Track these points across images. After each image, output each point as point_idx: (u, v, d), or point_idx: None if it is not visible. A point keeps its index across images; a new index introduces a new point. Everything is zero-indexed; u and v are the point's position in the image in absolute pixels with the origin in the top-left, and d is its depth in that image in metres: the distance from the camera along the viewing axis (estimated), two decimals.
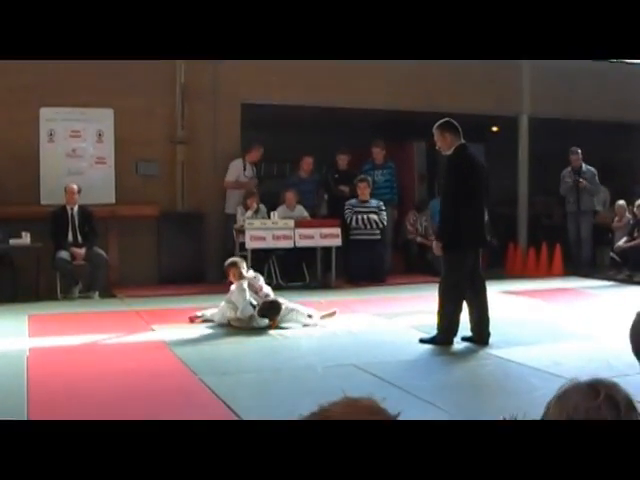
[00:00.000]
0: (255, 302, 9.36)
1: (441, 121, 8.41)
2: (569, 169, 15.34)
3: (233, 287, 9.54)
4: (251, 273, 9.80)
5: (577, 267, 14.91)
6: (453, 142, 8.29)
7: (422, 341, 8.30)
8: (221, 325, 9.43)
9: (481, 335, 8.26)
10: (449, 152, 8.34)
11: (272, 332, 9.05)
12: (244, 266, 9.73)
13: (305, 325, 9.36)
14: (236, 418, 5.67)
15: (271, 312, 9.26)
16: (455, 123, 8.36)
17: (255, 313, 9.22)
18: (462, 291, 8.23)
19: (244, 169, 13.78)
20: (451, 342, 8.21)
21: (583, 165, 15.27)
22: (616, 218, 15.31)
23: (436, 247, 8.37)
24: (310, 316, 9.51)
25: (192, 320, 9.67)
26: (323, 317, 9.61)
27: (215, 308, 9.70)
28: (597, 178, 15.27)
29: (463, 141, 8.32)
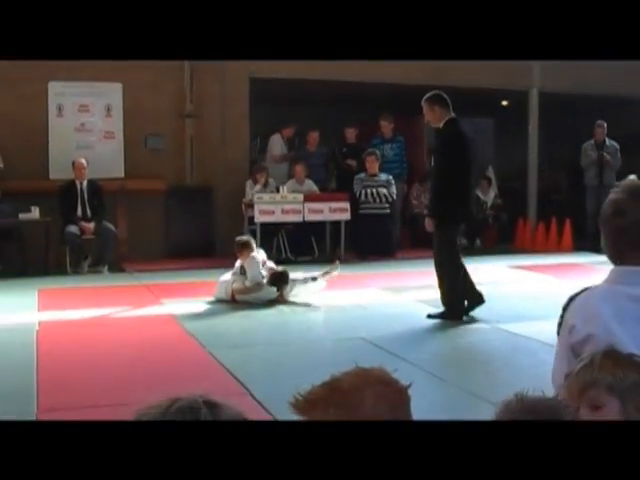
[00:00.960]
0: (264, 274, 9.35)
1: (429, 94, 8.25)
2: (592, 142, 15.21)
3: (238, 263, 9.50)
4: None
5: (594, 241, 14.82)
6: (442, 115, 8.13)
7: (430, 316, 8.28)
8: (221, 301, 9.32)
9: (453, 310, 8.24)
10: (439, 125, 8.21)
11: (281, 306, 9.05)
12: (254, 244, 9.69)
13: (312, 292, 9.34)
14: (244, 391, 5.68)
15: (280, 281, 9.24)
16: (444, 96, 8.20)
17: (264, 282, 9.20)
18: (459, 264, 8.23)
19: (285, 144, 14.24)
20: (460, 317, 8.20)
21: (606, 139, 15.17)
22: None
23: (428, 223, 8.28)
24: (314, 279, 9.48)
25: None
26: (325, 273, 9.56)
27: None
28: (619, 153, 15.17)
29: (453, 114, 8.18)
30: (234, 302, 9.20)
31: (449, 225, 8.18)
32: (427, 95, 8.26)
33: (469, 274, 8.37)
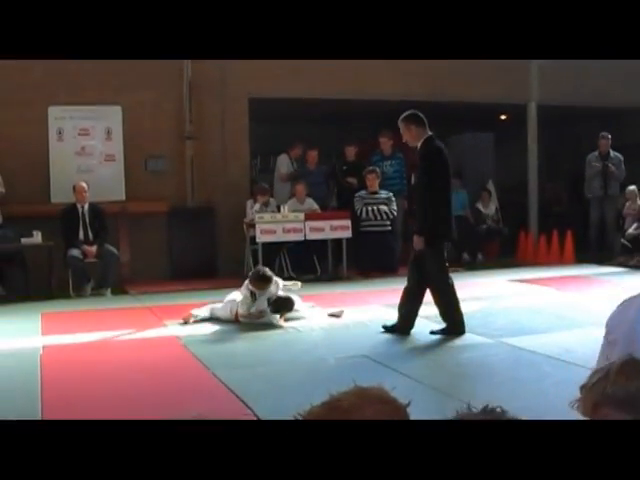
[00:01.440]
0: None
1: (405, 113, 8.26)
2: (596, 154, 15.24)
3: (248, 288, 9.35)
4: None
5: (599, 252, 14.82)
6: (419, 134, 8.15)
7: (433, 332, 8.27)
8: (227, 321, 9.31)
9: (404, 326, 8.29)
10: (417, 144, 8.22)
11: (284, 325, 9.04)
12: (273, 280, 9.42)
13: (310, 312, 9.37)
14: (248, 411, 5.68)
15: (284, 309, 9.22)
16: (420, 115, 8.20)
17: (268, 309, 9.19)
18: (449, 279, 8.28)
19: (292, 163, 14.32)
20: (463, 331, 8.20)
21: (610, 151, 15.20)
22: (627, 203, 15.23)
23: (417, 242, 8.25)
24: (312, 306, 9.53)
25: (186, 320, 9.36)
26: (331, 315, 9.55)
27: (206, 307, 9.62)
28: (623, 165, 15.19)
29: (430, 133, 8.19)
30: (236, 321, 9.22)
31: (438, 242, 8.23)
32: (403, 115, 8.27)
33: (420, 301, 8.42)
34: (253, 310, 9.18)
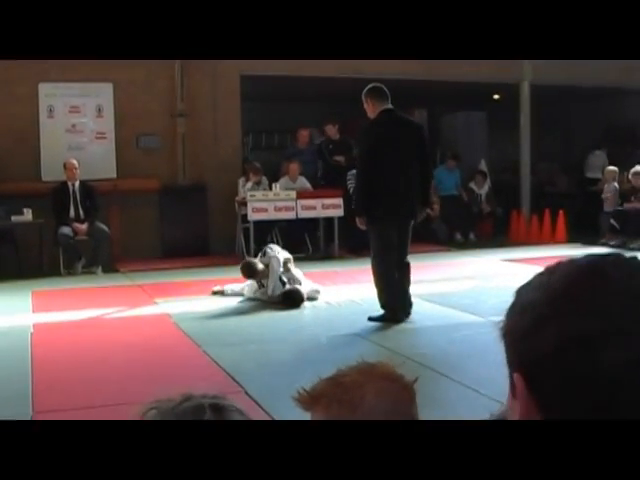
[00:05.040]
0: (285, 278, 9.30)
1: (368, 86, 8.06)
2: None
3: (250, 281, 9.47)
4: (273, 253, 9.57)
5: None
6: (376, 107, 7.89)
7: (370, 319, 7.92)
8: (250, 299, 9.38)
9: (390, 311, 7.89)
10: (373, 117, 7.99)
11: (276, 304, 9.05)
12: (258, 266, 9.37)
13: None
14: (239, 389, 5.68)
15: (295, 302, 9.19)
16: (381, 88, 7.97)
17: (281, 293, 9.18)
18: (390, 264, 7.84)
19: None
20: (399, 319, 7.88)
21: None
22: (605, 185, 15.15)
23: (358, 221, 8.01)
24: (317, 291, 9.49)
25: (216, 292, 9.70)
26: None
27: (236, 283, 9.68)
28: None
29: (389, 106, 7.91)
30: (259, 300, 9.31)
31: (375, 222, 7.84)
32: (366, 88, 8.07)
33: (404, 284, 8.03)
34: (270, 293, 9.14)
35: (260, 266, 9.27)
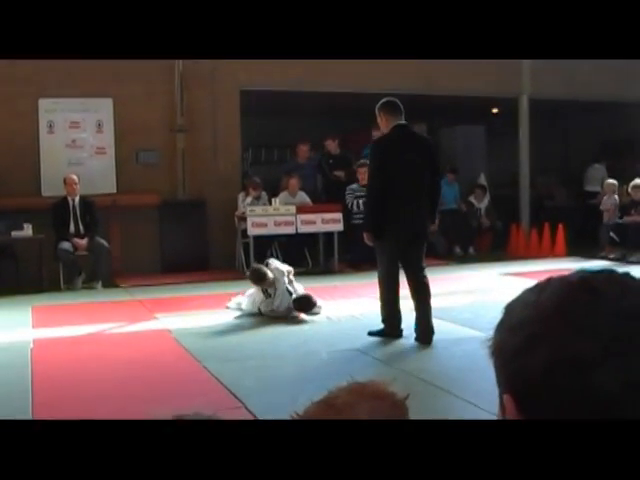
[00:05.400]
0: (291, 289, 9.31)
1: (382, 100, 8.00)
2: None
3: (255, 289, 9.40)
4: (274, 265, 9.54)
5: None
6: (389, 122, 7.82)
7: (370, 333, 7.90)
8: (251, 314, 9.30)
9: (421, 332, 7.75)
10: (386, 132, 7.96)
11: (306, 318, 9.05)
12: (269, 275, 9.29)
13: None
14: (239, 404, 5.68)
15: (307, 307, 9.21)
16: (395, 102, 7.90)
17: (291, 304, 9.16)
18: (394, 280, 7.78)
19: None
20: (398, 335, 7.84)
21: None
22: (605, 198, 15.18)
23: (366, 236, 7.92)
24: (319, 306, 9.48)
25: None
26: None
27: (241, 296, 9.64)
28: None
29: (402, 121, 7.85)
30: (260, 315, 9.26)
31: (381, 238, 7.75)
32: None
33: (421, 304, 7.86)
34: (276, 307, 9.14)
35: (270, 274, 9.22)
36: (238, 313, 9.43)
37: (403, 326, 7.92)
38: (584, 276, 1.06)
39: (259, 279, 9.23)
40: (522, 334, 1.04)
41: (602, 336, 0.98)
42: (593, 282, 1.04)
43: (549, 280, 1.09)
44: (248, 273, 9.36)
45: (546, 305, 1.04)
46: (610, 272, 1.06)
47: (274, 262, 9.67)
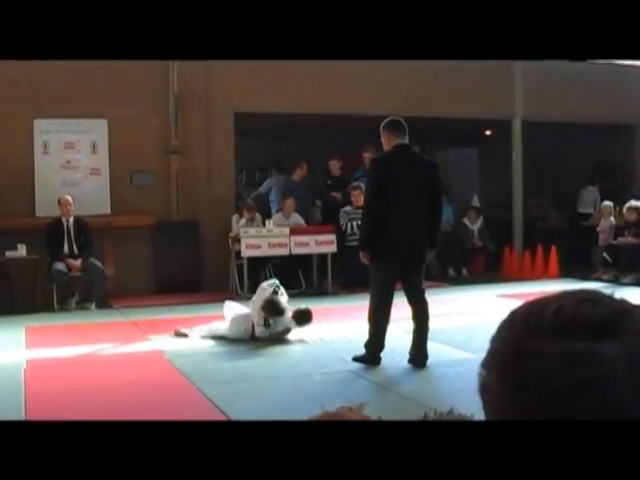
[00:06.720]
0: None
1: (386, 119, 8.02)
2: None
3: (257, 310, 9.12)
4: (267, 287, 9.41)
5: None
6: (391, 141, 7.79)
7: (355, 359, 7.85)
8: (237, 340, 9.07)
9: (414, 356, 7.75)
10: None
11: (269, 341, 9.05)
12: (286, 312, 9.20)
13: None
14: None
15: (307, 321, 9.22)
16: (398, 122, 7.90)
17: (292, 322, 9.15)
18: (386, 304, 7.69)
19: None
20: (376, 361, 7.74)
21: None
22: (602, 220, 15.29)
23: (362, 255, 7.86)
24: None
25: (179, 333, 9.43)
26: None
27: (206, 326, 9.44)
28: None
29: (404, 141, 7.82)
30: (252, 340, 9.09)
31: (376, 260, 7.66)
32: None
33: (420, 328, 7.82)
34: (273, 331, 9.06)
35: (285, 309, 9.12)
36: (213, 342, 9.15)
37: (395, 348, 7.93)
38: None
39: (276, 313, 9.06)
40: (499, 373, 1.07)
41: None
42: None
43: (514, 313, 1.11)
44: (264, 304, 9.01)
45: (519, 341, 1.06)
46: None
47: (282, 290, 9.43)
